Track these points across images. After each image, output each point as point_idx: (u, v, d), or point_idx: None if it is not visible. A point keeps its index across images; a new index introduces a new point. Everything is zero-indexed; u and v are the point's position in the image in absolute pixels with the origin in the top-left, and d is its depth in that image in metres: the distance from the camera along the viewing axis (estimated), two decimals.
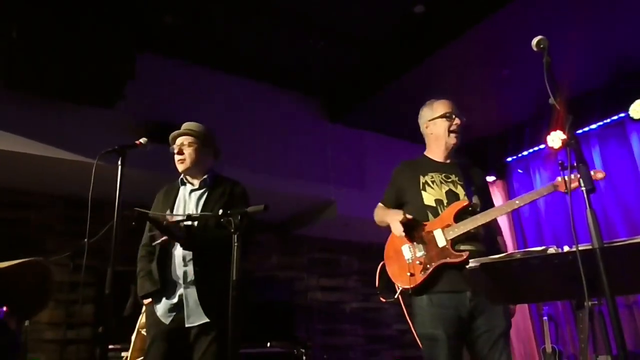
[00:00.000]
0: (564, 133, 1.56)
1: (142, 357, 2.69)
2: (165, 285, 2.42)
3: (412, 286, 2.30)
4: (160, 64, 4.66)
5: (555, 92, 1.60)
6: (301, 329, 5.79)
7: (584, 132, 5.25)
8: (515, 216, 6.12)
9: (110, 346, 3.07)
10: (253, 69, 5.05)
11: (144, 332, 2.76)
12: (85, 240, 2.15)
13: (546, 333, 4.86)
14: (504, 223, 6.15)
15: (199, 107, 4.78)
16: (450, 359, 2.19)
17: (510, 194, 6.21)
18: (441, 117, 2.54)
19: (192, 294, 2.36)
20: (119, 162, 2.17)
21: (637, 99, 4.65)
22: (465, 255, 2.23)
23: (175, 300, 2.38)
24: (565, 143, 1.54)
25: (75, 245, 2.61)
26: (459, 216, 2.33)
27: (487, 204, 2.45)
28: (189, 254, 2.39)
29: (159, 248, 2.43)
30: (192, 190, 2.59)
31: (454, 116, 2.52)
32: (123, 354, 2.98)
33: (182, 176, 2.64)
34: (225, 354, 2.18)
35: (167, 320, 2.38)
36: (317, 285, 6.26)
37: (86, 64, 3.65)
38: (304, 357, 4.24)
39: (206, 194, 2.56)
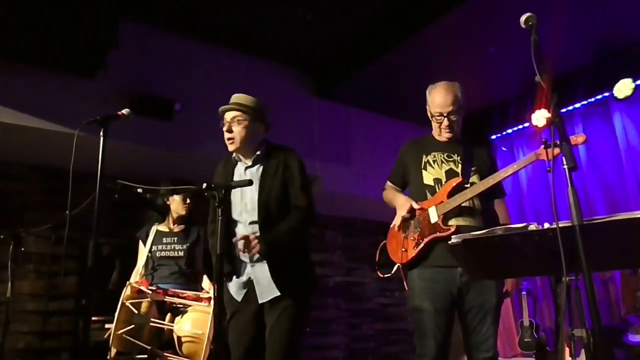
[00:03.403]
0: (549, 111, 1.57)
1: (126, 329, 2.71)
2: (234, 264, 2.44)
3: (404, 262, 2.40)
4: (144, 33, 4.54)
5: (542, 70, 1.60)
6: None
7: (568, 110, 5.29)
8: None
9: (94, 318, 3.08)
10: (239, 41, 4.96)
11: (128, 304, 2.77)
12: (67, 212, 2.12)
13: (524, 307, 4.98)
14: None
15: (182, 78, 4.71)
16: (435, 331, 2.27)
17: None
18: (432, 114, 2.52)
19: (260, 271, 2.38)
20: (101, 134, 2.13)
21: (621, 78, 4.69)
22: (452, 228, 2.28)
23: (244, 278, 2.42)
24: (549, 122, 1.55)
25: (57, 217, 2.58)
26: (454, 193, 2.36)
27: (495, 187, 2.41)
28: (252, 234, 2.35)
29: (221, 228, 2.36)
30: (246, 168, 2.52)
31: (443, 116, 2.45)
32: (107, 325, 2.99)
33: (234, 154, 2.54)
34: (295, 324, 2.33)
35: (239, 298, 2.42)
36: None
37: (66, 30, 3.54)
38: None
39: (261, 169, 2.49)
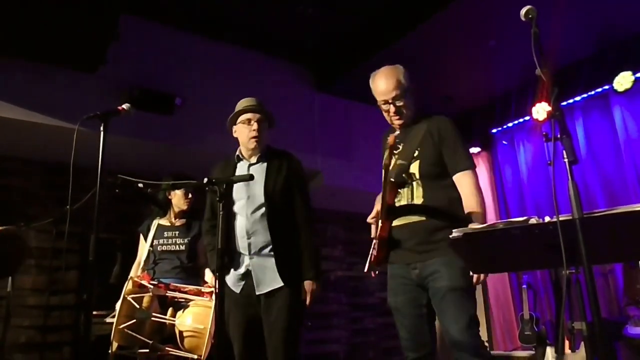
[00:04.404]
0: (549, 105, 1.57)
1: (128, 323, 2.72)
2: (232, 257, 2.54)
3: (372, 262, 2.40)
4: (145, 28, 4.54)
5: (542, 64, 1.59)
6: None
7: (568, 104, 5.28)
8: (498, 187, 6.19)
9: (95, 312, 3.08)
10: (239, 35, 4.95)
11: (130, 298, 2.78)
12: (68, 207, 2.13)
13: (525, 300, 4.99)
14: (487, 195, 6.23)
15: (183, 72, 4.70)
16: (401, 326, 2.26)
17: (494, 166, 6.27)
18: (378, 103, 2.41)
19: (259, 262, 2.49)
20: (102, 129, 2.13)
21: (621, 71, 4.68)
22: (377, 232, 2.26)
23: (242, 270, 2.52)
24: (550, 115, 1.55)
25: (58, 212, 2.59)
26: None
27: (451, 161, 2.23)
28: (251, 227, 2.51)
29: (221, 222, 2.42)
30: (250, 165, 2.65)
31: (388, 103, 2.33)
32: (107, 319, 3.00)
33: (237, 153, 2.70)
34: (294, 317, 2.42)
35: (237, 289, 2.52)
36: None
37: (67, 25, 3.54)
38: None
39: (265, 166, 2.63)
